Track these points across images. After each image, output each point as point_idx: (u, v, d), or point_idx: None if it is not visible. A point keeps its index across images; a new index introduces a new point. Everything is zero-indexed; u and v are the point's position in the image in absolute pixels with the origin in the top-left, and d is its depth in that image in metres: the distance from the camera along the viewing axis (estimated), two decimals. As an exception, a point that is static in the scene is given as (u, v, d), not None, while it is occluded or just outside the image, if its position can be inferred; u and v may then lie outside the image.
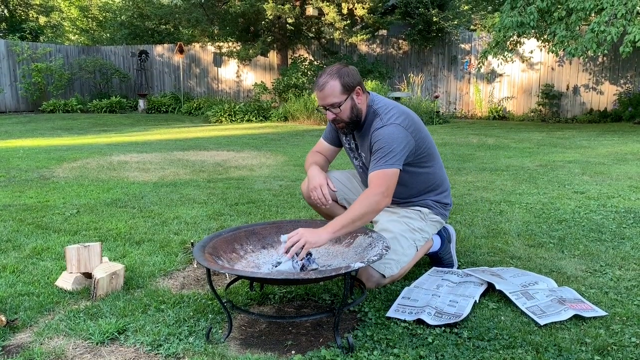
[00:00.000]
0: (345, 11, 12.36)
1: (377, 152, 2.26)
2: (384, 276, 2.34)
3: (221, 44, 14.61)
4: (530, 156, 6.55)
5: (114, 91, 16.82)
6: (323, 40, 14.32)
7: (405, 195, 2.51)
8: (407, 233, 2.42)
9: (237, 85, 16.33)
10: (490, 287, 2.32)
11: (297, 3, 12.78)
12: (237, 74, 16.22)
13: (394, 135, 2.25)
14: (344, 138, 2.56)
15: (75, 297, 2.29)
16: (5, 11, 19.41)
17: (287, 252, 2.03)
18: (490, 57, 11.13)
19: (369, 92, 2.39)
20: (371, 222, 2.49)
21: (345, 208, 2.67)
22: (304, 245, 2.01)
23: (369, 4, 12.29)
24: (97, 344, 1.91)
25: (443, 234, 2.66)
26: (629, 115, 11.46)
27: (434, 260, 2.65)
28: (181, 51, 15.40)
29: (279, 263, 2.06)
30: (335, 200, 2.66)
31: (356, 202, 2.20)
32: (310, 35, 14.30)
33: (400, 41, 14.34)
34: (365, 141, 2.38)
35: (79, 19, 21.66)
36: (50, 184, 4.82)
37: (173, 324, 2.04)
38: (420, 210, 2.52)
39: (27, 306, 2.19)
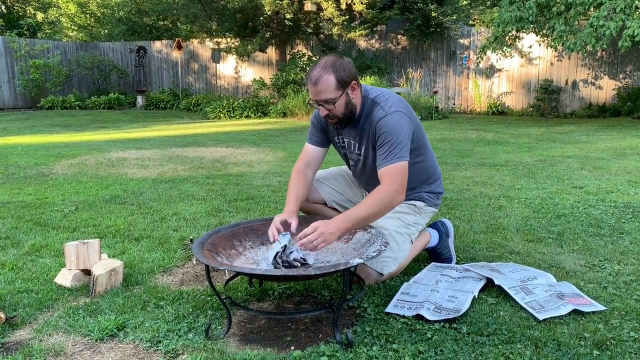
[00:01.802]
0: (343, 6, 12.31)
1: (384, 145, 2.19)
2: (382, 274, 2.34)
3: (219, 39, 14.57)
4: (529, 151, 6.55)
5: (112, 88, 16.77)
6: (322, 35, 14.27)
7: None
8: (401, 229, 2.40)
9: (236, 81, 16.30)
10: (489, 282, 2.32)
11: (296, -2, 12.74)
12: (235, 70, 16.19)
13: (399, 125, 2.20)
14: (335, 137, 2.47)
15: (74, 294, 2.29)
16: (3, 7, 19.33)
17: (301, 245, 2.02)
18: (489, 52, 11.11)
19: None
20: None
21: (335, 210, 2.67)
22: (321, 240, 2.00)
23: (367, -1, 12.26)
24: (96, 340, 1.91)
25: (441, 228, 2.65)
26: (627, 109, 11.46)
27: (432, 255, 2.65)
28: (179, 47, 15.36)
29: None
30: (324, 203, 2.66)
31: (370, 197, 2.14)
32: (309, 30, 14.26)
33: (399, 36, 14.31)
34: (365, 132, 2.31)
35: (77, 15, 21.58)
36: (49, 180, 4.82)
37: (172, 320, 2.04)
38: (414, 205, 2.50)
39: (26, 303, 2.19)
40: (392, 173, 2.16)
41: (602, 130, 8.87)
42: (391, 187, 2.14)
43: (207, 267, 1.95)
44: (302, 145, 2.53)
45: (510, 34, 10.42)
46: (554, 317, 2.01)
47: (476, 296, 2.19)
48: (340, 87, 2.17)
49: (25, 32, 17.51)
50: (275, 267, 2.02)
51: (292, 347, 1.86)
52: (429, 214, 2.57)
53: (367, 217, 2.11)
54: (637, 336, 1.89)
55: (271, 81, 13.30)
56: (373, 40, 14.63)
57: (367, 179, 2.50)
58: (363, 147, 2.38)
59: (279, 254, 2.04)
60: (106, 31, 20.60)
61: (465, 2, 16.60)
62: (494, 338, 1.88)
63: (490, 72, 13.45)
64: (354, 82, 2.21)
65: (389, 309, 2.10)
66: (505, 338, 1.88)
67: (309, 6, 12.63)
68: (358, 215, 2.09)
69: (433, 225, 2.69)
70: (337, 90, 2.17)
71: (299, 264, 2.05)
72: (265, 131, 9.25)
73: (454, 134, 8.66)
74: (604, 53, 12.19)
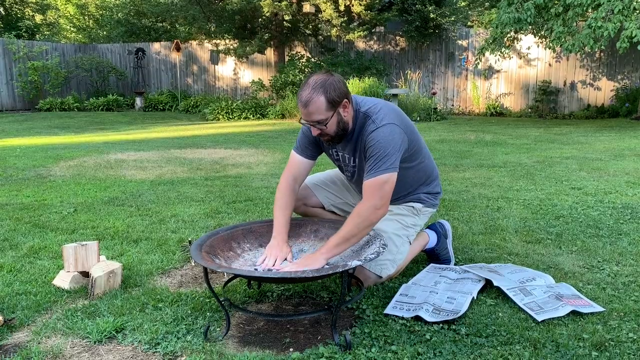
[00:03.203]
0: (342, 8, 12.33)
1: (371, 158, 2.16)
2: (380, 276, 2.33)
3: (218, 41, 14.58)
4: (528, 152, 6.55)
5: (111, 89, 16.77)
6: (320, 37, 14.29)
7: (398, 192, 2.46)
8: (400, 231, 2.39)
9: (235, 83, 16.30)
10: (488, 283, 2.32)
11: (294, 0, 12.75)
12: (234, 72, 16.19)
13: (389, 137, 2.16)
14: (329, 150, 2.43)
15: (72, 296, 2.29)
16: (1, 9, 19.33)
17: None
18: (487, 54, 11.13)
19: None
20: None
21: (334, 213, 2.66)
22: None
23: (365, 1, 12.27)
24: (94, 342, 1.91)
25: (439, 229, 2.65)
26: (625, 110, 11.47)
27: (431, 256, 2.65)
28: (178, 49, 15.36)
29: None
30: (322, 207, 2.66)
31: (349, 219, 2.12)
32: (307, 32, 14.28)
33: (398, 38, 14.33)
34: (359, 146, 2.28)
35: (76, 17, 21.59)
36: (47, 182, 4.81)
37: (171, 322, 2.04)
38: (413, 206, 2.49)
39: (25, 305, 2.19)
40: (372, 186, 2.12)
41: (601, 131, 8.88)
42: (369, 204, 2.11)
43: (205, 269, 1.95)
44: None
45: (508, 35, 10.44)
46: (553, 318, 2.01)
47: (475, 297, 2.19)
48: (331, 107, 2.11)
49: (23, 33, 17.51)
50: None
51: (291, 349, 1.86)
52: (428, 214, 2.57)
53: (347, 239, 2.08)
54: (635, 337, 1.89)
55: (270, 82, 13.30)
56: (372, 42, 14.64)
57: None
58: (357, 160, 2.35)
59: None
60: (105, 33, 20.60)
61: (463, 4, 16.62)
62: (493, 339, 1.88)
63: (488, 73, 13.47)
64: (345, 100, 2.15)
65: (388, 310, 2.10)
66: (504, 339, 1.88)
67: (307, 8, 12.65)
68: (338, 240, 2.07)
69: (431, 226, 2.69)
70: (328, 111, 2.12)
71: None
72: (263, 132, 9.25)
73: (453, 135, 8.67)
74: (602, 54, 12.21)
